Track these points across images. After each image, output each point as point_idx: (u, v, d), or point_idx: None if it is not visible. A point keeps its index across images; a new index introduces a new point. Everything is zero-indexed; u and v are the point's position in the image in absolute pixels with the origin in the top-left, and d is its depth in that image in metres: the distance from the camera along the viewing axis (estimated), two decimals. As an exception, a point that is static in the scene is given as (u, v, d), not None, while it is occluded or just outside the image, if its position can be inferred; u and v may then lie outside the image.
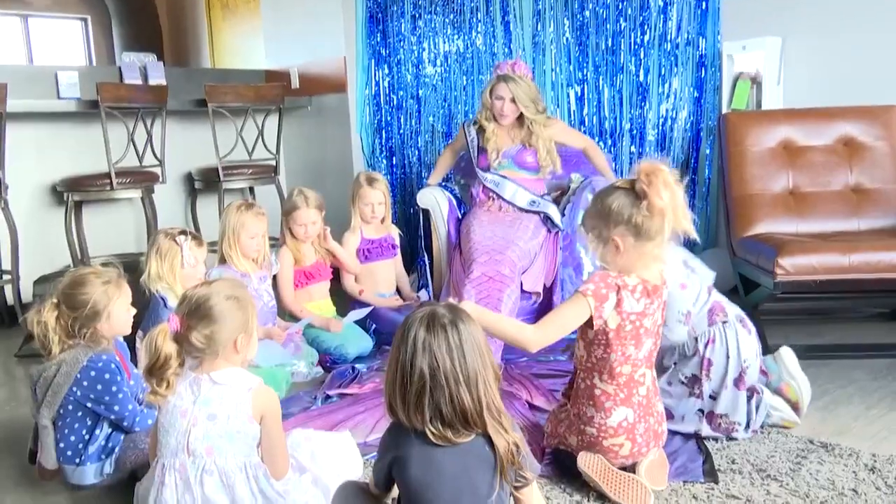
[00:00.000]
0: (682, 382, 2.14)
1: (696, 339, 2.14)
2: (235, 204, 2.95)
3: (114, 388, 1.96)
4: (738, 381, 2.12)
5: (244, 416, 1.64)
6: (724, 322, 2.13)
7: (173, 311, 1.64)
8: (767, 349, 2.35)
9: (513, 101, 3.24)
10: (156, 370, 1.59)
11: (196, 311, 1.61)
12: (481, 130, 3.37)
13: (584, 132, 4.01)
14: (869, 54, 3.31)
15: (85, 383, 1.94)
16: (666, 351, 2.18)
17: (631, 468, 1.88)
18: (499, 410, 1.41)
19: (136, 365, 2.44)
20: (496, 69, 3.34)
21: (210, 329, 1.62)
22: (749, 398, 2.14)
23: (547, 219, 3.30)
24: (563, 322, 1.86)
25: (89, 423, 1.98)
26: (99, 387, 1.95)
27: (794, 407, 2.27)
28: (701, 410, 2.15)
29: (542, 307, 3.24)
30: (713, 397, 2.13)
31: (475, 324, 1.45)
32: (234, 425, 1.63)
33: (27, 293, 3.44)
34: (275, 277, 3.11)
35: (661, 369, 2.18)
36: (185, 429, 1.61)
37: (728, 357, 2.11)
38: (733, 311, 2.18)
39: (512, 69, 3.27)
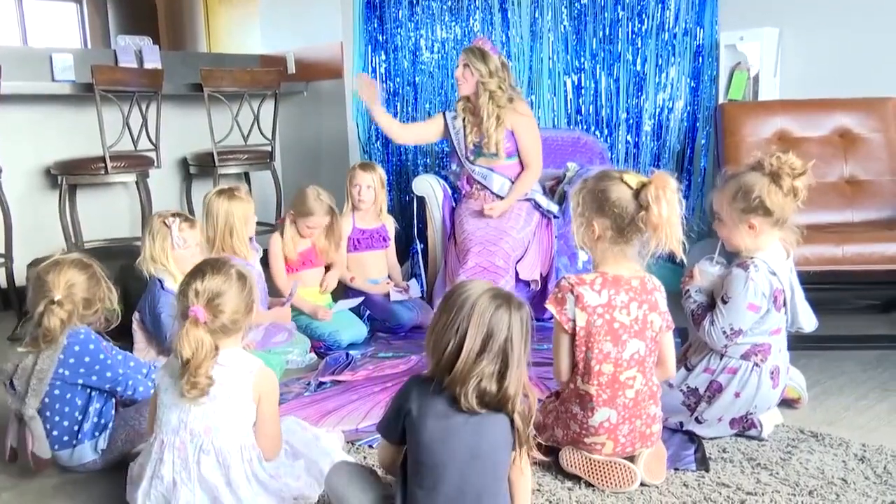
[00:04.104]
0: (682, 391, 2.11)
1: (721, 356, 2.08)
2: (223, 195, 2.84)
3: (101, 356, 1.97)
4: (733, 422, 2.09)
5: (244, 399, 1.66)
6: (756, 365, 2.06)
7: (194, 306, 1.62)
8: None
9: (466, 66, 3.25)
10: (204, 362, 1.59)
11: (214, 299, 1.64)
12: (463, 120, 3.39)
13: (581, 121, 4.02)
14: (866, 46, 3.31)
15: (71, 360, 1.94)
16: (697, 348, 2.15)
17: (629, 460, 1.88)
18: (529, 390, 1.50)
19: (131, 348, 2.45)
20: None
21: (229, 314, 1.65)
22: (742, 431, 2.11)
23: (539, 205, 3.30)
24: (557, 347, 1.89)
25: (80, 403, 1.98)
26: (87, 358, 1.95)
27: (796, 402, 2.29)
28: (686, 406, 2.12)
29: (539, 296, 3.25)
30: (699, 421, 2.10)
31: None
32: (233, 407, 1.65)
33: (20, 276, 3.43)
34: (265, 261, 3.09)
35: (683, 363, 2.14)
36: (187, 407, 1.63)
37: (737, 396, 2.05)
38: (775, 361, 2.08)
39: (473, 43, 3.33)
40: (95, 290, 2.01)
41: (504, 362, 1.44)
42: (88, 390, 1.99)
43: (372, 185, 3.38)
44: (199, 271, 1.67)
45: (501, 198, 3.30)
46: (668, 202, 1.77)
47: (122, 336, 2.36)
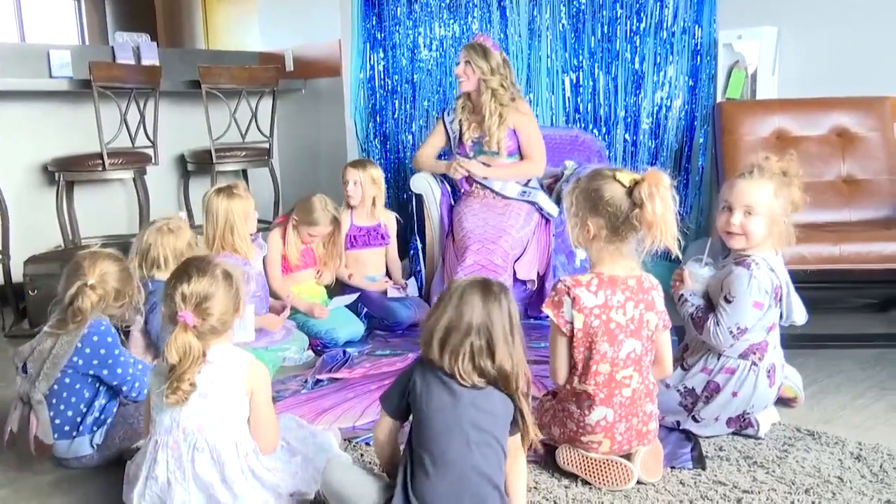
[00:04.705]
0: (679, 391, 2.11)
1: (719, 356, 2.08)
2: (223, 193, 2.80)
3: (116, 352, 2.00)
4: (730, 421, 2.09)
5: (236, 394, 1.65)
6: (754, 364, 2.06)
7: (182, 311, 1.61)
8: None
9: (467, 63, 3.26)
10: (190, 368, 1.59)
11: (202, 303, 1.62)
12: (461, 120, 3.40)
13: (579, 120, 4.02)
14: (864, 45, 3.31)
15: (87, 350, 1.96)
16: (694, 348, 2.15)
17: (625, 458, 1.88)
18: (528, 378, 1.57)
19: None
20: None
21: (218, 316, 1.64)
22: (738, 430, 2.11)
23: (542, 207, 3.30)
24: (553, 349, 1.89)
25: (86, 395, 1.99)
26: (102, 351, 1.97)
27: (793, 401, 2.29)
28: (683, 406, 2.12)
29: (535, 295, 3.25)
30: (696, 420, 2.10)
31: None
32: (225, 403, 1.64)
33: (17, 273, 3.42)
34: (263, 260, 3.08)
35: (680, 362, 2.13)
36: (178, 406, 1.62)
37: (735, 395, 2.05)
38: (771, 359, 2.08)
39: (474, 40, 3.35)
40: (126, 283, 2.07)
41: (489, 339, 1.51)
42: (97, 384, 2.00)
43: (359, 182, 3.37)
44: (184, 274, 1.65)
45: (504, 197, 3.30)
46: (662, 199, 1.76)
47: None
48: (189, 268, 1.67)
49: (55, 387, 1.97)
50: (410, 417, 1.57)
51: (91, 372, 1.98)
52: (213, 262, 1.71)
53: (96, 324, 1.98)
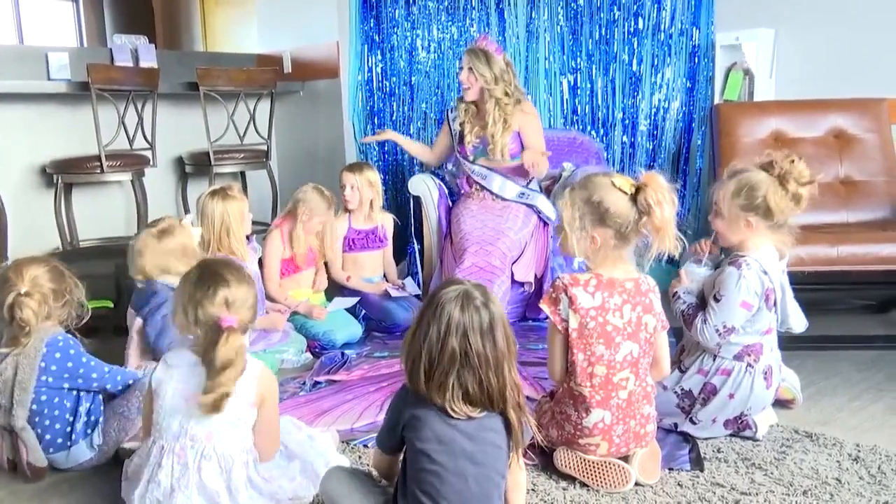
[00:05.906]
0: (676, 393, 2.11)
1: (714, 357, 2.08)
2: (217, 196, 2.79)
3: (84, 359, 1.98)
4: (728, 422, 2.09)
5: (247, 402, 1.65)
6: (749, 366, 2.06)
7: (226, 315, 1.61)
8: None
9: (470, 69, 3.25)
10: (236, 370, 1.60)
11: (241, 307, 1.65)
12: (462, 122, 3.40)
13: (577, 121, 4.02)
14: (861, 47, 3.32)
15: (53, 367, 1.94)
16: (690, 350, 2.16)
17: (623, 460, 1.88)
18: (517, 387, 1.47)
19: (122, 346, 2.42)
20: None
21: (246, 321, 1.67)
22: (736, 432, 2.11)
23: (540, 210, 3.30)
24: (551, 346, 1.89)
25: (69, 405, 1.98)
26: (70, 364, 1.95)
27: (791, 402, 2.29)
28: (680, 408, 2.12)
29: (533, 297, 3.25)
30: (693, 422, 2.10)
31: (499, 303, 1.51)
32: (236, 411, 1.63)
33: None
34: (260, 263, 3.07)
35: (677, 364, 2.13)
36: (189, 413, 1.62)
37: (731, 397, 2.05)
38: (767, 361, 2.09)
39: (476, 44, 3.31)
40: (60, 281, 2.01)
41: (472, 366, 1.42)
42: (76, 392, 1.99)
43: (356, 185, 3.36)
44: (219, 277, 1.63)
45: (502, 198, 3.29)
46: (668, 203, 1.78)
47: (115, 334, 2.33)
48: (223, 271, 1.66)
49: (34, 407, 1.94)
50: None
51: (66, 385, 1.96)
52: (239, 264, 1.73)
53: (53, 341, 1.95)
